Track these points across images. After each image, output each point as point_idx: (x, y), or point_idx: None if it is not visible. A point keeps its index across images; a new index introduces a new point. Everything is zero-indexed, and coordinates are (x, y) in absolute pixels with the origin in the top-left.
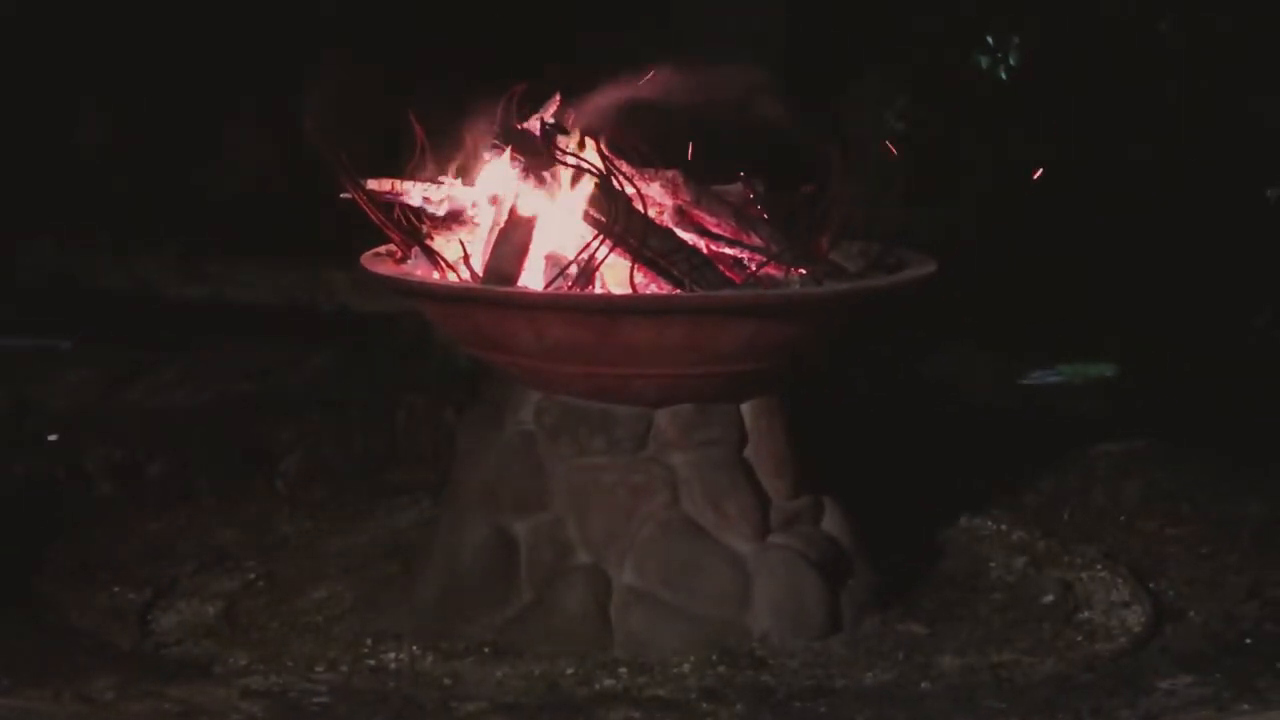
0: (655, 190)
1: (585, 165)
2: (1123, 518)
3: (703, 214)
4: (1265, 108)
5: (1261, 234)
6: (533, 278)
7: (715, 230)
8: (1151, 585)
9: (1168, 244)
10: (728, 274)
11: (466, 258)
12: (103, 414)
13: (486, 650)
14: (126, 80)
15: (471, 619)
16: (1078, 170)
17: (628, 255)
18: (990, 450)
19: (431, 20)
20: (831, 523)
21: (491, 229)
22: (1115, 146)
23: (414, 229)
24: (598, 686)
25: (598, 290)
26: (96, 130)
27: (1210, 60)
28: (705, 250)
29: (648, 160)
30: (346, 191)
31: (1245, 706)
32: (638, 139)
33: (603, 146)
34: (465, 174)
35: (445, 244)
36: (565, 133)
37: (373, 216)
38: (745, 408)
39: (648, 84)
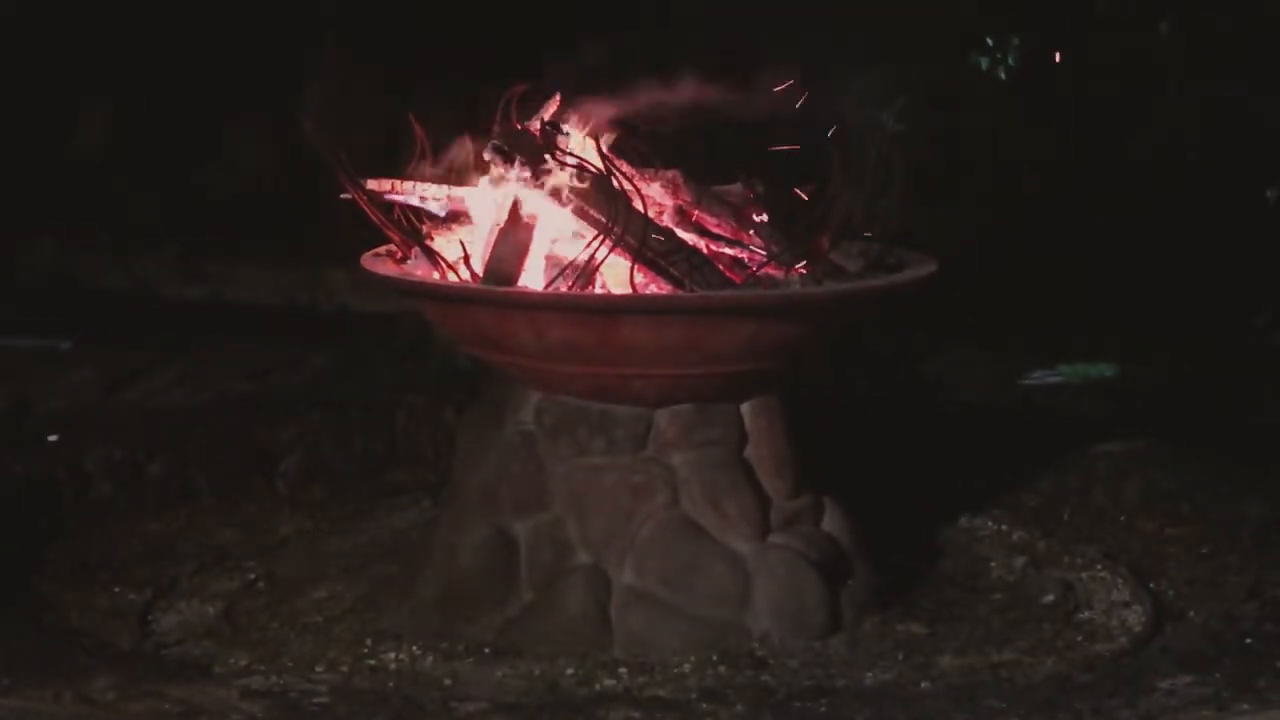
0: (655, 190)
1: (585, 165)
2: (1123, 518)
3: (703, 214)
4: (1265, 108)
5: (1261, 234)
6: (533, 278)
7: (715, 230)
8: (1151, 585)
9: (1168, 244)
10: (728, 274)
11: (466, 258)
12: (103, 414)
13: (486, 650)
14: (126, 80)
15: (471, 619)
16: (1078, 170)
17: (628, 255)
18: (990, 450)
19: (431, 20)
20: (831, 523)
21: (491, 229)
22: (1115, 146)
23: (414, 229)
24: (598, 686)
25: (598, 290)
26: (96, 130)
27: (1210, 60)
28: (705, 250)
29: (648, 160)
30: (346, 191)
31: (1245, 706)
32: (638, 140)
33: (602, 147)
34: (465, 174)
35: (445, 244)
36: (565, 133)
37: (373, 216)
38: (745, 408)
39: (649, 87)
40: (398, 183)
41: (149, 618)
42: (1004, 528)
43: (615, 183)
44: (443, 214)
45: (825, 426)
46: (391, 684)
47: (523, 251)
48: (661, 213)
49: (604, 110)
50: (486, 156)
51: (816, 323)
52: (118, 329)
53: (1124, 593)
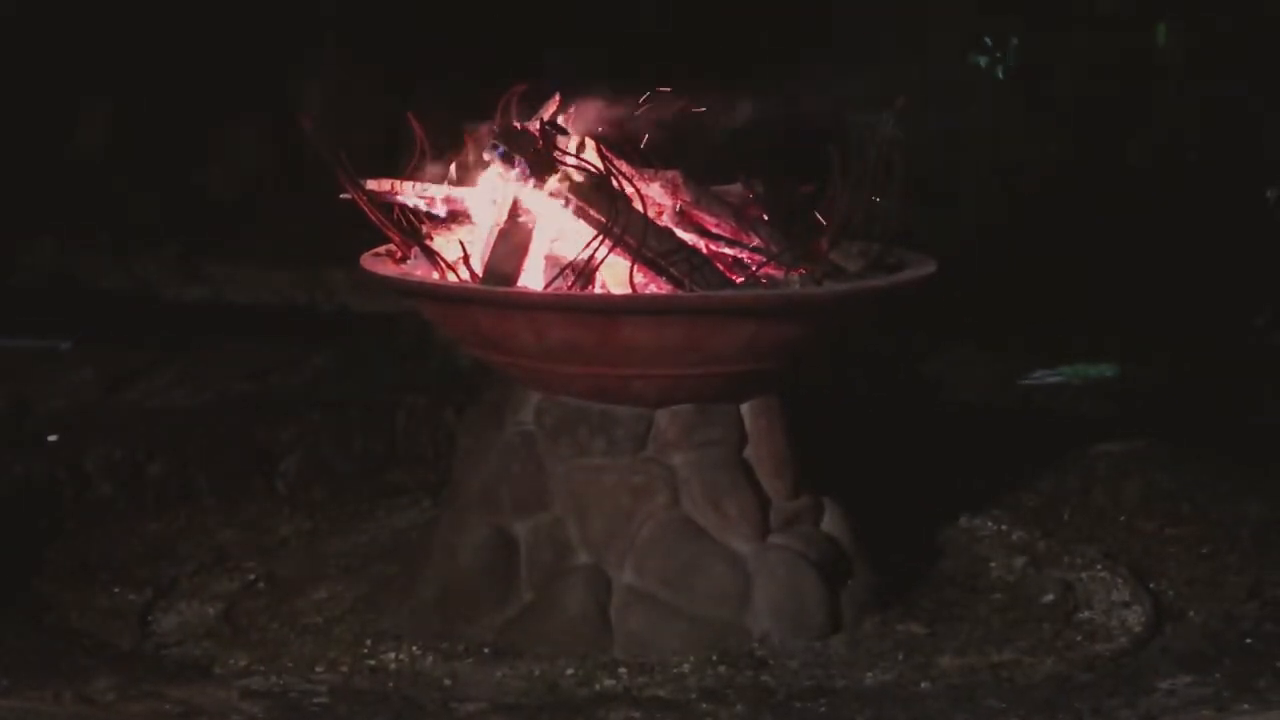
0: (655, 190)
1: (585, 165)
2: (1123, 518)
3: (703, 214)
4: (1265, 108)
5: (1261, 234)
6: (533, 278)
7: (715, 230)
8: (1151, 585)
9: (1168, 244)
10: (728, 274)
11: (466, 258)
12: (102, 414)
13: (486, 651)
14: (126, 81)
15: (471, 619)
16: (1078, 170)
17: (627, 255)
18: (990, 450)
19: (431, 20)
20: (831, 523)
21: (491, 229)
22: (1115, 146)
23: (414, 229)
24: (598, 687)
25: (598, 290)
26: (96, 130)
27: (1210, 60)
28: (705, 250)
29: (648, 160)
30: (346, 191)
31: (1245, 706)
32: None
33: (602, 147)
34: (465, 174)
35: (445, 244)
36: (565, 133)
37: (372, 216)
38: (745, 408)
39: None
40: (397, 183)
41: (149, 618)
42: (1004, 528)
43: (615, 183)
44: (442, 214)
45: (825, 426)
46: (391, 684)
47: (522, 251)
48: (661, 213)
49: (604, 111)
50: (486, 157)
51: (816, 323)
52: (118, 329)
53: (1124, 593)
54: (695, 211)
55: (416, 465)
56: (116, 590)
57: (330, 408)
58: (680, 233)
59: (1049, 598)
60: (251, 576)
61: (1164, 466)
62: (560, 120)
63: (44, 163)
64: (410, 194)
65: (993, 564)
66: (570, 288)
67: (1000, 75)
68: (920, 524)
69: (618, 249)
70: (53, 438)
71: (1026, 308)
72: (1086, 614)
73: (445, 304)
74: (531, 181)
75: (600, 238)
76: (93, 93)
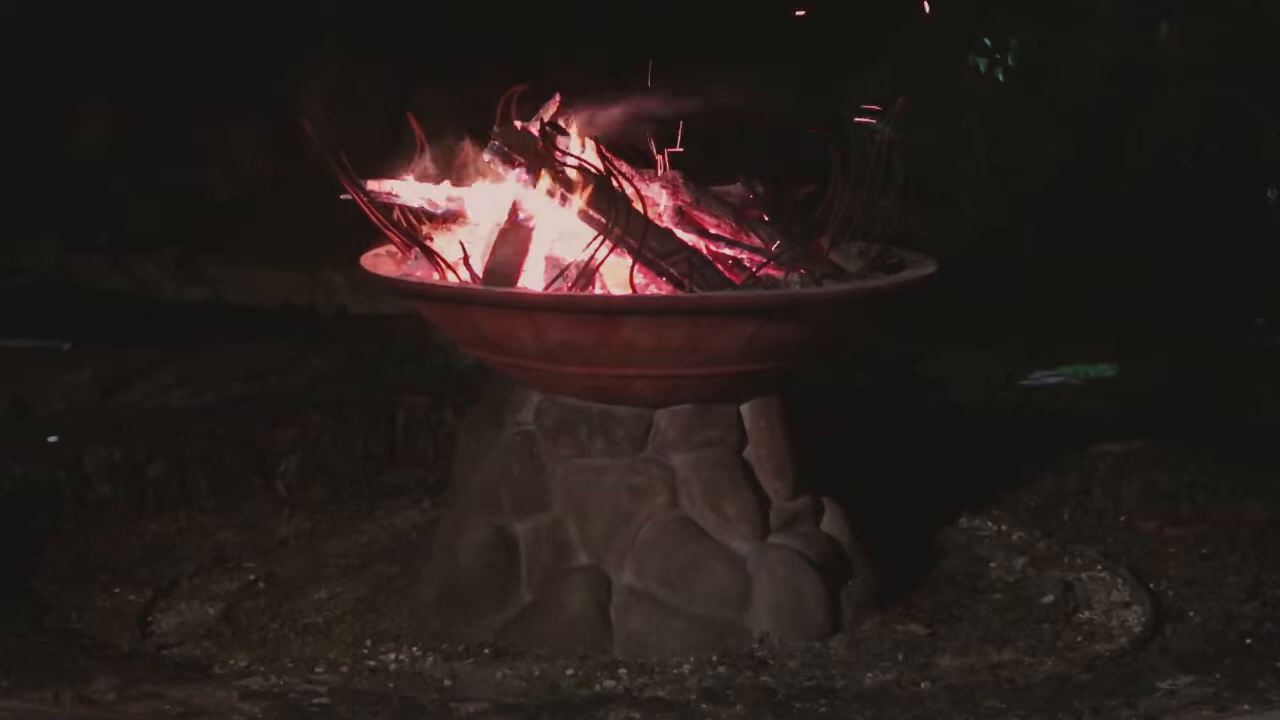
0: (655, 190)
1: (585, 165)
2: (1123, 518)
3: (703, 214)
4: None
5: (1262, 234)
6: (533, 278)
7: (715, 231)
8: (1151, 585)
9: (1167, 245)
10: (728, 274)
11: (466, 258)
12: (102, 415)
13: (486, 651)
14: (125, 81)
15: (471, 620)
16: (1077, 170)
17: (628, 255)
18: (990, 450)
19: (431, 20)
20: (831, 523)
21: (491, 229)
22: (1114, 148)
23: (413, 229)
24: (598, 687)
25: (598, 291)
26: (96, 131)
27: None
28: (705, 251)
29: (648, 160)
30: (346, 191)
31: (1245, 706)
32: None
33: (603, 147)
34: (464, 174)
35: (445, 244)
36: (565, 133)
37: (372, 217)
38: (745, 408)
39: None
40: (397, 183)
41: (149, 618)
42: (1004, 528)
43: (615, 183)
44: (442, 214)
45: (825, 426)
46: (391, 685)
47: (522, 252)
48: (661, 213)
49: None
50: (486, 157)
51: (816, 323)
52: (117, 329)
53: (1124, 593)
54: (695, 212)
55: (416, 465)
56: (116, 590)
57: (330, 408)
58: (680, 233)
59: (1049, 598)
60: (251, 577)
61: (1164, 466)
62: (560, 121)
63: (44, 163)
64: (410, 194)
65: (993, 564)
66: (570, 288)
67: (1000, 76)
68: (920, 524)
69: (618, 249)
70: (53, 439)
71: (1026, 308)
72: (1086, 614)
73: (445, 305)
74: (532, 182)
75: (600, 238)
76: (92, 93)
